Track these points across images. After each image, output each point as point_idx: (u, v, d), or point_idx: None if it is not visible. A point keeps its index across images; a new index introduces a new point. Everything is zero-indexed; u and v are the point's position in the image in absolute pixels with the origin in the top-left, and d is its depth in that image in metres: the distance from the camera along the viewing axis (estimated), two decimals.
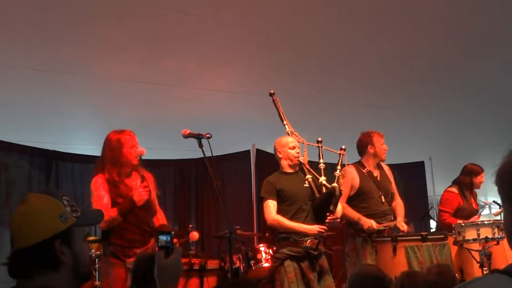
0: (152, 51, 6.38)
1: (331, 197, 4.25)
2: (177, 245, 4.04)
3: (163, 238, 1.89)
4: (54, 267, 1.66)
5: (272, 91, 4.77)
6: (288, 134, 4.63)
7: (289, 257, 4.22)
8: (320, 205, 4.31)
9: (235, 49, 6.71)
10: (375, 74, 7.58)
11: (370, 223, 4.69)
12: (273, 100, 4.73)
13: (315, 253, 4.27)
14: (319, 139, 4.55)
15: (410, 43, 7.21)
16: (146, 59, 6.46)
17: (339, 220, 4.47)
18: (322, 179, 4.33)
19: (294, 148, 4.49)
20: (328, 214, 4.26)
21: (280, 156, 4.53)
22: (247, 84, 7.25)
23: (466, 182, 5.81)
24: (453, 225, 5.10)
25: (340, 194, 4.32)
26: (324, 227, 4.24)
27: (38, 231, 1.65)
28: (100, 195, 4.06)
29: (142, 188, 4.10)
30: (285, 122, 4.67)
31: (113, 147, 4.08)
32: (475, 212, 5.79)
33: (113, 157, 4.07)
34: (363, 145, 5.07)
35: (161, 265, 1.85)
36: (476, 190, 5.99)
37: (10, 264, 1.67)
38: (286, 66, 6.58)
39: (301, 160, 4.50)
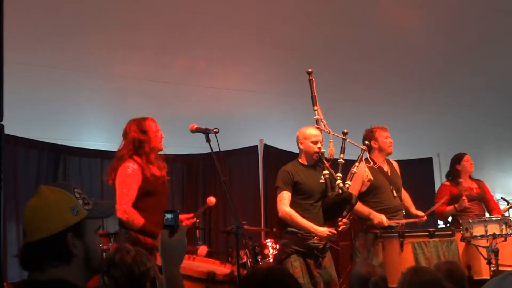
0: (163, 50, 6.42)
1: (345, 203, 4.18)
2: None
3: (168, 216, 1.86)
4: (66, 259, 1.67)
5: (310, 70, 4.56)
6: (316, 122, 4.50)
7: (296, 252, 4.19)
8: (333, 207, 4.25)
9: (244, 48, 6.75)
10: (384, 72, 7.57)
11: (380, 218, 4.61)
12: (309, 80, 4.54)
13: (320, 255, 4.25)
14: (345, 130, 4.43)
15: (421, 40, 7.21)
16: (158, 58, 6.50)
17: (349, 223, 4.33)
18: (339, 182, 4.25)
19: (316, 142, 4.32)
20: (340, 219, 4.19)
21: (301, 147, 4.40)
22: (256, 83, 7.28)
23: (452, 171, 5.89)
24: (461, 221, 5.09)
25: (356, 202, 4.27)
26: (334, 231, 4.16)
27: (51, 224, 1.66)
28: (128, 183, 3.79)
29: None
30: (315, 108, 4.50)
31: (139, 133, 3.95)
32: (476, 196, 5.69)
33: (140, 143, 3.91)
34: (367, 142, 5.08)
35: (166, 244, 1.84)
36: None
37: (22, 257, 1.68)
38: (294, 65, 6.60)
39: (327, 152, 4.37)
